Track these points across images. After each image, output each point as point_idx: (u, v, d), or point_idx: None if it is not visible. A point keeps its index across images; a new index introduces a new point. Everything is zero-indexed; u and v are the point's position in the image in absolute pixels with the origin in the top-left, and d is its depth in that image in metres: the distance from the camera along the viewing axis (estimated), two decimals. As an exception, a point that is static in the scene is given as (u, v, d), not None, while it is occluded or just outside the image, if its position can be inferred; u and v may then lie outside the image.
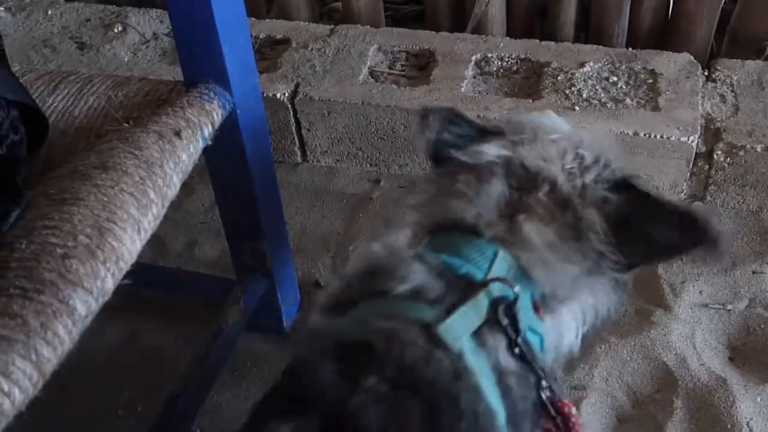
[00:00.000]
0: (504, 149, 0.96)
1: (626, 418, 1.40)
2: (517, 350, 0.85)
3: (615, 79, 1.79)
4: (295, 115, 1.85)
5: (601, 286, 0.97)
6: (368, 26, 2.04)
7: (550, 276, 0.92)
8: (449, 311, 0.83)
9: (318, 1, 2.27)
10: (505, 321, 0.85)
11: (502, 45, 1.93)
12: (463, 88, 1.81)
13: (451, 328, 0.83)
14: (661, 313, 1.54)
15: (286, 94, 1.83)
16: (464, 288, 0.86)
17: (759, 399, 1.40)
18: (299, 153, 1.92)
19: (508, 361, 0.85)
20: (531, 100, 1.76)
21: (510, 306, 0.86)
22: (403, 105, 1.78)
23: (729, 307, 1.54)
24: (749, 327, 1.51)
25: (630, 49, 1.89)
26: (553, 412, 0.86)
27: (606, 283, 0.97)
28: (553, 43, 1.92)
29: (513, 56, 1.90)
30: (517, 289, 0.86)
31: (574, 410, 0.87)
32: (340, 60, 1.91)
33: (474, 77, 1.87)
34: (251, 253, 1.41)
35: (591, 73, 1.81)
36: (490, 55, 1.91)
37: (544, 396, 0.86)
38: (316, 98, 1.82)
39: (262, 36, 2.04)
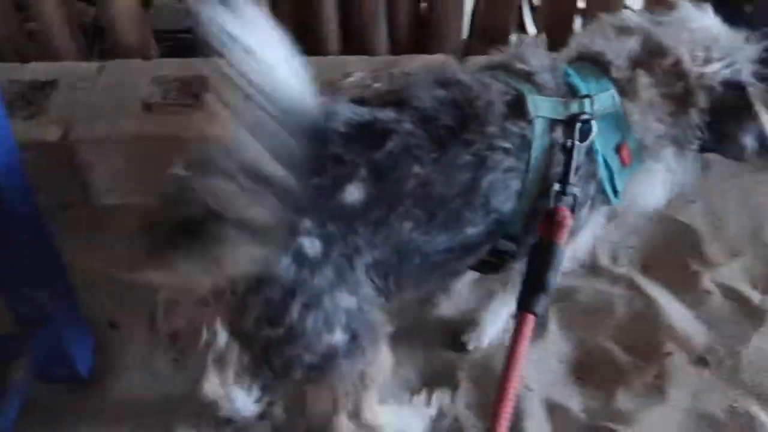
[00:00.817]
0: (647, 23, 1.25)
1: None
2: (569, 144, 1.12)
3: (378, 84, 1.90)
4: (69, 157, 1.82)
5: (681, 157, 1.24)
6: (139, 60, 2.04)
7: (642, 126, 1.19)
8: (545, 96, 1.14)
9: (88, 39, 2.24)
10: (578, 126, 1.13)
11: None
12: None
13: (537, 102, 1.14)
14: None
15: (58, 137, 1.80)
16: (566, 91, 1.16)
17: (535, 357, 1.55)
18: (81, 194, 1.89)
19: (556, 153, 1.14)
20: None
21: (588, 123, 1.13)
22: (179, 134, 1.79)
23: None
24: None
25: (392, 55, 2.02)
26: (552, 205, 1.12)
27: (684, 156, 1.24)
28: (320, 57, 2.01)
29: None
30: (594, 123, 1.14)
31: (568, 217, 1.11)
32: (111, 96, 1.90)
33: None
34: (29, 303, 1.38)
35: (356, 82, 1.92)
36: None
37: (552, 190, 1.13)
38: (90, 137, 1.80)
39: (26, 80, 1.98)
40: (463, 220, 1.13)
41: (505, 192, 1.13)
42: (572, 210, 1.13)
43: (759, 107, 1.21)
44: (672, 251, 1.75)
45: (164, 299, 1.10)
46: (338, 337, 1.04)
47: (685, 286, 1.61)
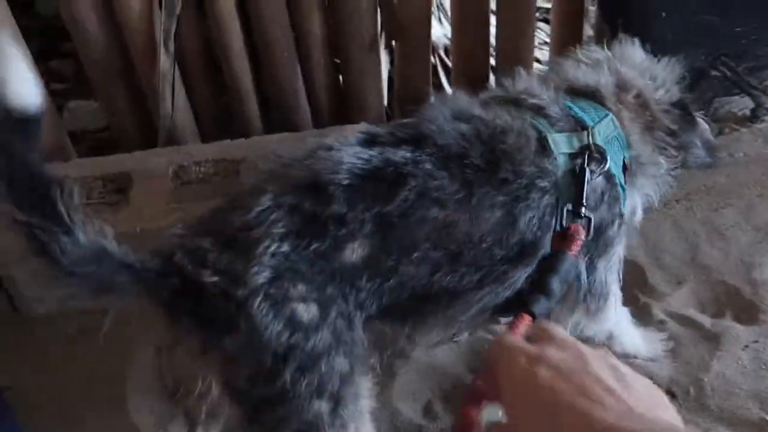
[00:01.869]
0: (609, 58, 1.37)
1: None
2: (578, 170, 1.18)
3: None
4: (-9, 271, 1.73)
5: (659, 174, 1.35)
6: (57, 162, 1.98)
7: (637, 146, 1.29)
8: (560, 131, 1.20)
9: None
10: (595, 155, 1.19)
11: (195, 152, 1.96)
12: (164, 201, 1.80)
13: (556, 139, 1.19)
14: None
15: (-22, 252, 1.70)
16: (574, 124, 1.22)
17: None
18: (7, 304, 1.79)
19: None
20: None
21: (602, 151, 1.20)
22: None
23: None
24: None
25: (316, 129, 2.01)
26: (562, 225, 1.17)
27: (662, 174, 1.36)
28: (244, 139, 1.99)
29: (210, 159, 1.94)
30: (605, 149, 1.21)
31: (581, 231, 1.14)
32: (30, 203, 1.82)
33: (175, 188, 1.88)
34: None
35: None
36: (185, 164, 1.93)
37: (565, 210, 1.17)
38: (11, 245, 1.71)
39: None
40: (494, 257, 1.13)
41: (541, 227, 1.16)
42: (588, 231, 1.16)
43: (697, 117, 1.41)
44: (619, 286, 1.76)
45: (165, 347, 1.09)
46: (326, 405, 1.01)
47: (638, 319, 1.61)
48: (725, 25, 1.80)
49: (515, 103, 1.25)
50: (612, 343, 1.48)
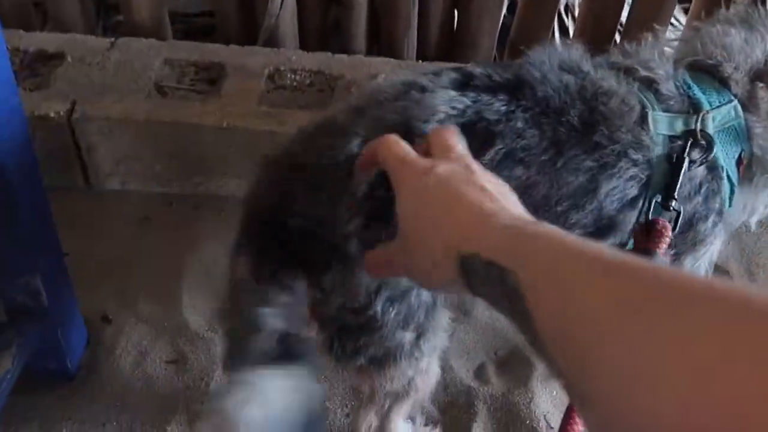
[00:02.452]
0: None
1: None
2: (676, 160, 1.05)
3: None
4: (73, 136, 1.70)
5: None
6: (153, 39, 1.93)
7: (762, 139, 1.13)
8: (666, 110, 1.07)
9: (100, 13, 2.13)
10: (701, 142, 1.06)
11: (294, 58, 1.89)
12: (255, 102, 1.75)
13: (658, 119, 1.06)
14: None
15: (62, 113, 1.68)
16: (688, 104, 1.09)
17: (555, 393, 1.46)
18: (81, 176, 1.77)
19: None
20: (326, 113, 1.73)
21: (709, 139, 1.07)
22: (193, 121, 1.69)
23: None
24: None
25: (420, 61, 1.93)
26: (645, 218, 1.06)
27: None
28: (345, 56, 1.91)
29: (306, 69, 1.87)
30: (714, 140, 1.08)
31: (668, 228, 1.04)
32: (122, 75, 1.79)
33: (267, 92, 1.82)
34: (24, 290, 1.26)
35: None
36: (282, 69, 1.87)
37: (653, 202, 1.06)
38: (97, 116, 1.68)
39: (32, 50, 1.85)
40: (568, 223, 1.05)
41: (621, 200, 1.06)
42: (675, 225, 1.06)
43: None
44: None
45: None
46: (409, 335, 1.01)
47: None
48: None
49: (627, 71, 1.13)
50: None
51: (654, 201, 1.06)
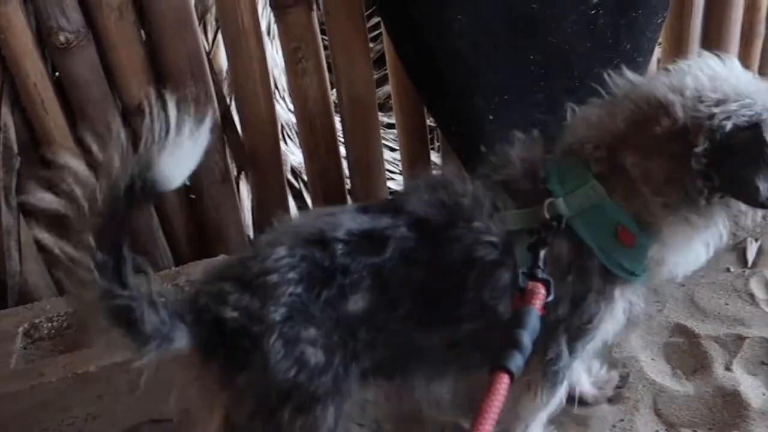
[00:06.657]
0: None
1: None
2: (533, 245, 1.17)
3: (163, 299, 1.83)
4: None
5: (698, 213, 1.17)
6: None
7: (641, 206, 1.18)
8: (517, 207, 1.21)
9: None
10: (546, 236, 1.17)
11: (48, 307, 1.88)
12: (13, 364, 1.70)
13: (509, 217, 1.20)
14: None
15: None
16: (541, 196, 1.20)
17: None
18: None
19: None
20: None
21: (559, 223, 1.17)
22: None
23: None
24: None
25: (173, 268, 1.97)
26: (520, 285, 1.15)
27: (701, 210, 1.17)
28: (99, 286, 1.91)
29: (62, 314, 1.85)
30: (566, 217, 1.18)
31: (540, 287, 1.12)
32: None
33: (24, 348, 1.78)
34: None
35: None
36: (38, 321, 1.84)
37: (520, 272, 1.16)
38: None
39: None
40: (459, 316, 1.19)
41: (492, 287, 1.19)
42: (547, 291, 1.14)
43: None
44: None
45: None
46: None
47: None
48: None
49: (484, 178, 1.27)
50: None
51: (521, 272, 1.17)
